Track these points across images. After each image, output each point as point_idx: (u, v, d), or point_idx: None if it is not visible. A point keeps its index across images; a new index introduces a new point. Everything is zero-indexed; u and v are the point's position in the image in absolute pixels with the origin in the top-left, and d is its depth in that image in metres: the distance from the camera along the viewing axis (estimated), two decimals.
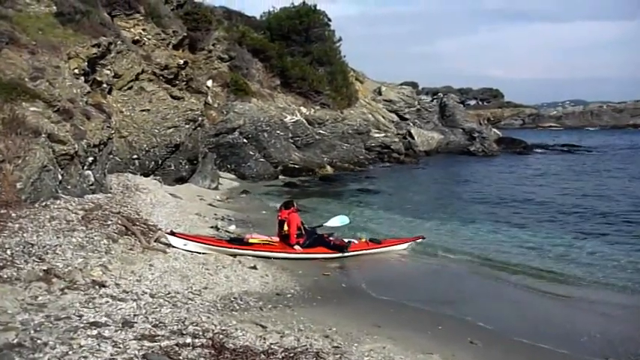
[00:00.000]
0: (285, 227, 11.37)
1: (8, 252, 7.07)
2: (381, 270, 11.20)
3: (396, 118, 39.67)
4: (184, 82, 22.17)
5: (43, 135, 10.75)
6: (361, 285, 10.02)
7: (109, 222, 9.87)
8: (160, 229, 10.73)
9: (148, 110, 18.72)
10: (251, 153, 25.47)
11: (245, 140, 25.66)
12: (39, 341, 4.87)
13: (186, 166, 19.75)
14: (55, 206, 9.90)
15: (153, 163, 18.40)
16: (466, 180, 27.26)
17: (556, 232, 14.83)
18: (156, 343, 5.29)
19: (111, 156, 15.48)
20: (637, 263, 11.74)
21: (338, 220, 12.67)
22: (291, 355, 5.54)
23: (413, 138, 39.03)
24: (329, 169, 27.93)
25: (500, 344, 7.28)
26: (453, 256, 12.13)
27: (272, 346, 5.76)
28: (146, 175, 17.49)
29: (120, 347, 5.07)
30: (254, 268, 9.95)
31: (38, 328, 5.16)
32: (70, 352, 4.78)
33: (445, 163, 36.07)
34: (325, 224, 12.39)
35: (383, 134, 35.38)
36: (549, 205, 19.36)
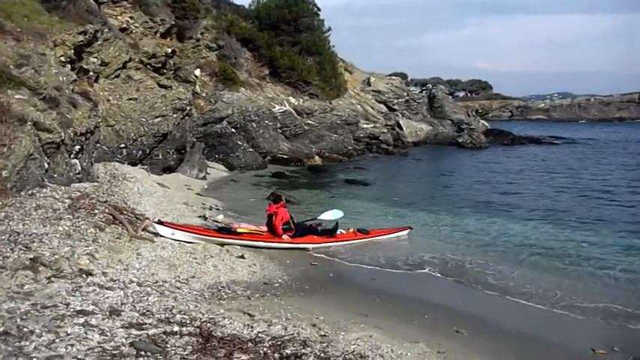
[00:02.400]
0: (273, 220, 11.38)
1: None
2: (368, 260, 11.25)
3: (384, 108, 39.73)
4: (172, 71, 22.00)
5: (29, 123, 10.64)
6: (348, 275, 10.08)
7: (96, 211, 9.81)
8: (147, 218, 10.70)
9: (136, 99, 18.57)
10: (239, 143, 25.39)
11: (233, 130, 25.58)
12: (25, 329, 4.85)
13: (174, 156, 19.65)
14: (42, 195, 9.82)
15: (140, 152, 18.29)
16: (453, 172, 27.39)
17: (542, 223, 14.97)
18: (143, 332, 5.30)
19: (98, 145, 15.36)
20: (623, 252, 11.96)
21: (332, 214, 12.67)
22: (279, 343, 5.57)
23: (401, 129, 39.13)
24: (317, 160, 27.88)
25: (486, 333, 7.37)
26: (440, 247, 12.22)
27: (259, 335, 5.79)
28: (133, 164, 17.38)
29: (107, 335, 5.07)
30: (242, 257, 9.96)
31: (24, 317, 5.14)
32: (57, 340, 4.77)
33: (433, 154, 36.22)
34: (319, 217, 12.39)
35: (372, 125, 35.42)
36: (534, 196, 19.55)
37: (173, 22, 24.02)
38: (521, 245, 12.56)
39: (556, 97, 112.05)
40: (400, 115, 40.75)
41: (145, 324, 5.54)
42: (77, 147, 12.86)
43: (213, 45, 28.48)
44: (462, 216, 15.63)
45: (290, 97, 30.75)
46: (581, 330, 7.97)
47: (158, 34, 22.61)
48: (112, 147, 17.11)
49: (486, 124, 48.83)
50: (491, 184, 22.71)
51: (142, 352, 4.80)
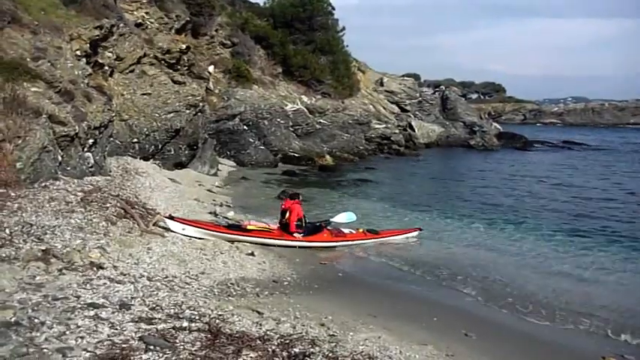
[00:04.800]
0: (287, 215, 11.39)
1: (7, 231, 7.07)
2: (379, 261, 11.23)
3: (397, 109, 39.58)
4: (186, 67, 22.07)
5: (44, 116, 10.73)
6: (357, 275, 10.06)
7: (108, 204, 9.88)
8: (158, 213, 10.75)
9: (149, 94, 18.68)
10: (251, 140, 25.43)
11: (245, 127, 25.63)
12: (36, 320, 4.89)
13: (186, 152, 19.73)
14: (55, 187, 9.90)
15: (153, 147, 18.39)
16: (464, 174, 27.26)
17: (547, 228, 14.86)
18: (153, 326, 5.31)
19: (111, 139, 15.47)
20: (623, 259, 11.92)
21: (345, 217, 12.64)
22: (287, 341, 5.56)
23: (413, 130, 38.97)
24: (328, 159, 27.81)
25: (494, 337, 7.33)
26: (449, 249, 12.17)
27: (268, 333, 5.79)
28: (145, 159, 17.47)
29: (117, 329, 5.10)
30: (251, 254, 9.98)
31: (36, 308, 5.18)
32: (68, 332, 4.80)
33: (445, 156, 36.08)
34: (332, 219, 12.36)
35: (383, 125, 35.27)
36: (540, 201, 19.40)
37: (188, 19, 24.10)
38: (529, 250, 12.48)
39: (570, 101, 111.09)
40: (412, 116, 40.57)
41: (155, 318, 5.56)
42: (90, 140, 12.95)
43: (227, 42, 28.54)
44: (471, 218, 15.54)
45: (302, 96, 30.71)
46: (591, 336, 7.89)
47: (173, 30, 22.68)
48: (124, 141, 17.20)
49: (499, 126, 48.49)
50: (501, 187, 22.59)
51: (151, 347, 4.81)
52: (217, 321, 5.82)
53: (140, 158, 17.07)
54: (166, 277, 7.45)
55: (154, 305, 6.01)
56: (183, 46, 21.78)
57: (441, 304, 8.61)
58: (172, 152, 19.21)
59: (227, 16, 30.29)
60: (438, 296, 9.09)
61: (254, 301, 7.36)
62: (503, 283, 10.01)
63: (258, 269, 9.19)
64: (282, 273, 9.24)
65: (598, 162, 34.69)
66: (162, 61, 20.28)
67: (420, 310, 8.08)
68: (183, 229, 10.29)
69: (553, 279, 10.37)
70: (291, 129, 28.56)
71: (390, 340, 6.29)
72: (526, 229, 14.53)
